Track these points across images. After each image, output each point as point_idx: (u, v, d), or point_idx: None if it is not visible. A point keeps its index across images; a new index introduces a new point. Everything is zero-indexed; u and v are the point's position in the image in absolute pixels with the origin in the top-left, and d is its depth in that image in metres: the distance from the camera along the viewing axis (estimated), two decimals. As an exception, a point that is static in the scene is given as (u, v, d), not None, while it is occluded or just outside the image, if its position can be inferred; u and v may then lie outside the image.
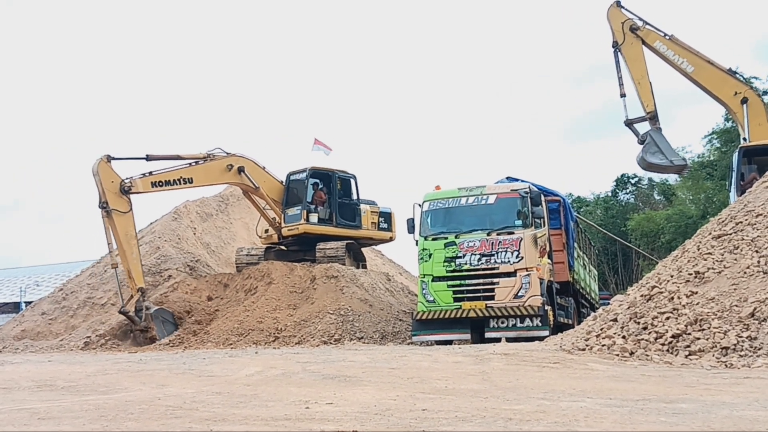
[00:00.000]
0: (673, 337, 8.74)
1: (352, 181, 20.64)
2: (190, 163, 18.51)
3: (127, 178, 17.34)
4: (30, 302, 27.91)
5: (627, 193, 45.55)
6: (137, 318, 17.49)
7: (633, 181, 44.92)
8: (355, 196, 20.61)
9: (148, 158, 17.81)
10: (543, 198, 14.61)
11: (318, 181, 20.09)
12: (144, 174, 17.66)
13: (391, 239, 21.83)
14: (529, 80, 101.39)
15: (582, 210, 40.74)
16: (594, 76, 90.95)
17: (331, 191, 20.07)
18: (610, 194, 45.39)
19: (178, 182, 18.10)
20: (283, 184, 20.15)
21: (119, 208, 17.09)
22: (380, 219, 21.24)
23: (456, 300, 14.18)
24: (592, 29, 59.08)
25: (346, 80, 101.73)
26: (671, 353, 8.56)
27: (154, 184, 17.68)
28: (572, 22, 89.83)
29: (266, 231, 20.72)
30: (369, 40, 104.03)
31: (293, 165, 20.38)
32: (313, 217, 19.43)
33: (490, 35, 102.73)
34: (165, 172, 18.02)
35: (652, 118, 17.41)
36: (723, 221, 11.07)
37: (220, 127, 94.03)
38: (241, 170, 19.12)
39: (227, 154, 19.09)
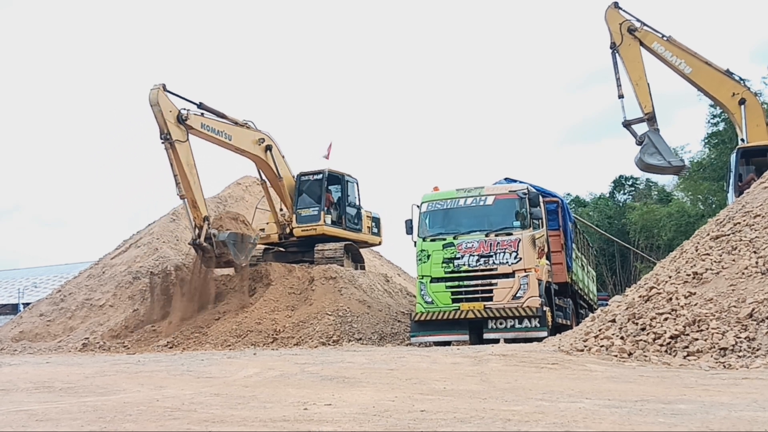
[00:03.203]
0: (671, 338, 8.74)
1: (356, 185, 20.75)
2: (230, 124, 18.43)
3: (183, 108, 17.01)
4: (28, 304, 27.92)
5: (624, 194, 45.58)
6: (209, 246, 17.14)
7: (629, 183, 44.95)
8: (357, 200, 20.71)
9: (200, 106, 17.53)
10: (541, 199, 14.62)
11: (328, 183, 20.12)
12: (197, 114, 17.37)
13: (379, 243, 22.04)
14: (528, 80, 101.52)
15: (580, 211, 40.72)
16: (594, 77, 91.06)
17: (342, 194, 20.14)
18: (607, 195, 45.41)
19: (220, 134, 17.89)
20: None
21: (179, 137, 16.72)
22: (372, 223, 21.42)
23: (454, 301, 14.18)
24: (592, 30, 59.16)
25: (346, 82, 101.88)
26: (669, 354, 8.56)
27: (203, 126, 17.41)
28: (572, 24, 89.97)
29: (262, 230, 20.70)
30: (369, 43, 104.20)
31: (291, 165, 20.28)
32: (328, 219, 19.45)
33: (489, 36, 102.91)
34: (214, 119, 17.83)
35: (650, 119, 17.44)
36: (721, 222, 11.08)
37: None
38: (269, 149, 19.05)
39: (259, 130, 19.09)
